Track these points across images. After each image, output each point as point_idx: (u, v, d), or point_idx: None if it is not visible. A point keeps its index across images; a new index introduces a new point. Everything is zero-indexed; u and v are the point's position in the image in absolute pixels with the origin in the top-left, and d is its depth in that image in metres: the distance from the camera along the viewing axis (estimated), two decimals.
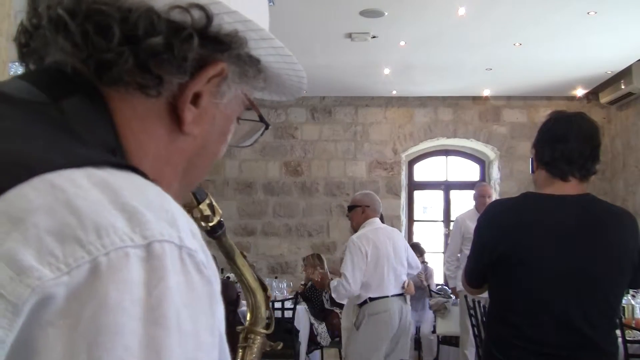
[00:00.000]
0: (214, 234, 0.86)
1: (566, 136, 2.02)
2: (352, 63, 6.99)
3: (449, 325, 6.10)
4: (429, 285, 6.71)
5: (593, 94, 8.07)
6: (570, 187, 2.03)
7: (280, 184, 8.62)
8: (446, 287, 6.56)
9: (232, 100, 0.63)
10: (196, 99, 0.58)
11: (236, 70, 0.61)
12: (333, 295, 4.30)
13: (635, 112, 7.43)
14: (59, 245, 0.41)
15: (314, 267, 6.30)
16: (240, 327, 0.97)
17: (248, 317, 0.97)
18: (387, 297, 4.26)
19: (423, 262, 7.42)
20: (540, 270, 1.98)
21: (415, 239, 8.14)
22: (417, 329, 6.46)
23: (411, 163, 8.99)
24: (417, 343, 6.50)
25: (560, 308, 1.95)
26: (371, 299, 4.25)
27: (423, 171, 9.05)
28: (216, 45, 0.58)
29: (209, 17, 0.55)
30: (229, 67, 0.60)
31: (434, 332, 6.42)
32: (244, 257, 0.95)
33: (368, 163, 8.55)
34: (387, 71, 7.21)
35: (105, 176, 0.46)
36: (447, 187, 8.85)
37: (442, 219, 8.84)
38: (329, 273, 4.78)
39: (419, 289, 6.31)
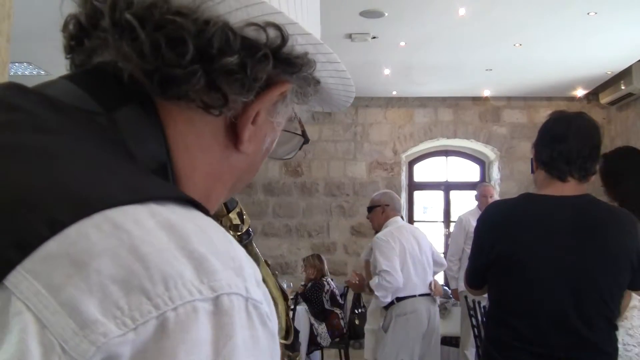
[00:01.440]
0: (241, 242, 0.84)
1: (565, 136, 2.01)
2: (352, 63, 6.99)
3: (450, 326, 6.09)
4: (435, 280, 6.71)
5: (593, 95, 8.07)
6: (569, 188, 2.02)
7: (280, 184, 8.62)
8: (446, 288, 6.56)
9: (284, 119, 0.61)
10: (255, 117, 0.56)
11: (297, 91, 0.59)
12: (377, 294, 4.11)
13: (635, 113, 7.43)
14: (124, 296, 0.38)
15: (314, 268, 6.30)
16: None
17: None
18: (415, 296, 4.18)
19: None
20: (538, 270, 1.97)
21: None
22: None
23: (411, 163, 8.99)
24: None
25: (559, 309, 1.94)
26: (398, 299, 4.16)
27: (423, 172, 9.05)
28: (286, 67, 0.55)
29: (284, 38, 0.53)
30: (292, 88, 0.58)
31: None
32: (268, 265, 0.93)
33: (368, 163, 8.55)
34: (387, 71, 7.21)
35: (170, 216, 0.43)
36: (447, 187, 8.85)
37: (442, 220, 8.84)
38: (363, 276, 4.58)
39: None
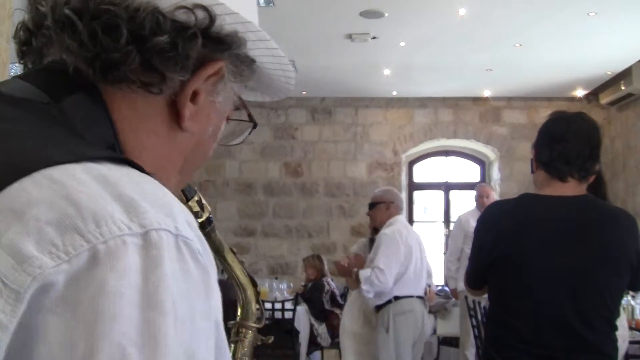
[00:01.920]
0: (202, 230, 0.87)
1: (564, 136, 2.01)
2: (352, 64, 6.99)
3: (449, 326, 6.10)
4: (429, 286, 6.71)
5: (593, 95, 8.07)
6: (568, 188, 2.02)
7: (280, 185, 8.62)
8: (446, 288, 6.56)
9: (226, 99, 0.64)
10: (194, 96, 0.60)
11: (232, 70, 0.63)
12: (363, 287, 4.02)
13: (635, 113, 7.43)
14: (59, 235, 0.43)
15: (314, 268, 6.30)
16: (231, 322, 1.00)
17: (239, 313, 0.99)
18: (412, 297, 4.13)
19: None
20: (538, 271, 1.97)
21: None
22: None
23: (411, 164, 8.99)
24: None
25: (558, 310, 1.94)
26: (397, 298, 4.09)
27: (423, 172, 9.05)
28: (217, 45, 0.59)
29: (212, 18, 0.57)
30: (226, 67, 0.62)
31: (434, 333, 6.42)
32: (234, 253, 0.96)
33: (368, 164, 8.55)
34: (387, 72, 7.21)
35: (103, 170, 0.48)
36: (447, 187, 8.85)
37: (442, 220, 8.84)
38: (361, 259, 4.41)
39: None
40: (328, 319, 6.06)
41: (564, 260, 1.95)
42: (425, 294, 4.30)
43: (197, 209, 0.84)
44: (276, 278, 7.45)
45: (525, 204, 2.10)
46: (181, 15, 0.56)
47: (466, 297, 5.41)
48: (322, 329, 5.99)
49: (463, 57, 6.63)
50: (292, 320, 5.63)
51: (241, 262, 0.97)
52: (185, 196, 0.83)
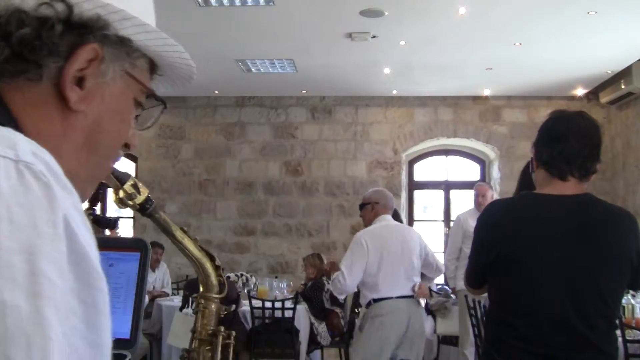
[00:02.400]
0: (144, 211, 0.95)
1: (565, 135, 2.01)
2: (352, 63, 6.99)
3: (449, 325, 6.10)
4: (429, 286, 6.71)
5: (593, 94, 8.07)
6: (569, 187, 2.02)
7: (280, 184, 8.62)
8: (446, 287, 6.56)
9: (117, 80, 0.70)
10: (81, 81, 0.66)
11: (110, 51, 0.68)
12: (331, 288, 4.18)
13: (635, 112, 7.43)
14: None
15: (314, 267, 6.30)
16: (194, 295, 1.07)
17: (201, 287, 1.04)
18: (392, 298, 4.05)
19: None
20: (538, 270, 1.97)
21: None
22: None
23: (411, 163, 8.99)
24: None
25: (558, 308, 1.94)
26: (375, 300, 4.06)
27: (423, 171, 9.05)
28: (82, 30, 0.65)
29: (69, 7, 0.64)
30: (104, 49, 0.67)
31: (434, 332, 6.42)
32: (185, 231, 1.01)
33: (368, 163, 8.55)
34: (387, 71, 7.21)
35: None
36: (447, 186, 8.85)
37: (442, 219, 8.84)
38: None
39: None
40: (328, 318, 6.06)
41: (564, 259, 1.95)
42: (414, 290, 4.19)
43: (132, 190, 0.92)
44: (276, 277, 7.45)
45: (525, 203, 2.10)
46: (44, 11, 0.63)
47: (466, 296, 5.41)
48: (322, 328, 5.99)
49: (463, 56, 6.63)
50: (292, 319, 5.63)
51: (195, 240, 1.02)
52: (119, 181, 0.91)
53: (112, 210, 7.24)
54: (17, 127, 0.62)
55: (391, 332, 4.02)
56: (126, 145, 0.76)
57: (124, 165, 9.13)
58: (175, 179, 8.75)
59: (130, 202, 0.92)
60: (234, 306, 1.13)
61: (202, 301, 1.04)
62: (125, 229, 9.24)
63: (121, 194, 0.91)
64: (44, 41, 0.63)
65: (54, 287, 0.49)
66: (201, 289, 1.04)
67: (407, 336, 4.07)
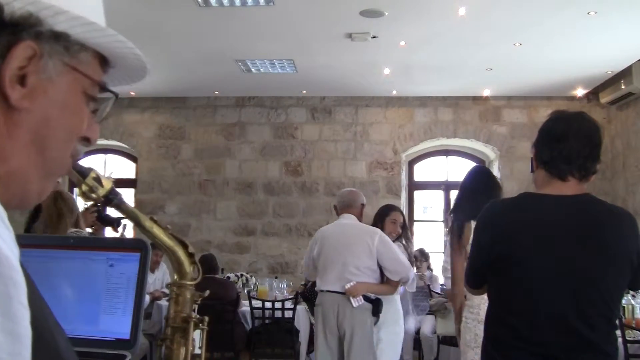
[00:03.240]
0: (109, 203, 0.96)
1: (565, 135, 2.01)
2: (352, 63, 6.99)
3: (449, 326, 6.08)
4: (429, 286, 6.72)
5: (593, 94, 8.07)
6: (569, 187, 2.02)
7: (280, 184, 8.62)
8: (447, 288, 6.57)
9: (60, 74, 0.70)
10: (23, 79, 0.66)
11: (48, 46, 0.68)
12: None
13: (636, 112, 7.43)
14: None
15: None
16: (168, 283, 1.08)
17: (174, 275, 1.05)
18: (322, 291, 4.31)
19: (429, 267, 7.43)
20: (537, 270, 1.97)
21: (415, 239, 8.13)
22: (418, 330, 6.46)
23: (411, 163, 8.99)
24: (417, 343, 6.50)
25: (558, 309, 1.94)
26: (319, 291, 4.39)
27: (423, 171, 9.05)
28: (15, 29, 0.65)
29: None
30: (41, 45, 0.67)
31: (434, 332, 6.42)
32: (154, 221, 1.02)
33: (368, 163, 8.55)
34: (387, 71, 7.21)
35: None
36: (447, 187, 8.84)
37: (442, 219, 8.84)
38: None
39: (421, 291, 6.31)
40: None
41: (564, 259, 1.95)
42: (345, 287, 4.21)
43: (94, 184, 0.93)
44: (276, 277, 7.45)
45: (525, 203, 2.10)
46: None
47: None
48: None
49: (463, 57, 6.64)
50: (292, 320, 5.63)
51: (166, 228, 1.03)
52: (81, 174, 0.92)
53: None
54: None
55: (322, 323, 4.28)
56: (85, 139, 0.75)
57: (124, 166, 9.14)
58: (175, 179, 8.75)
59: (93, 195, 0.93)
60: (207, 292, 1.13)
61: (175, 288, 1.04)
62: (125, 229, 9.23)
63: (83, 187, 0.92)
64: None
65: None
66: (175, 277, 1.05)
67: (345, 335, 4.17)
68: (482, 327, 3.84)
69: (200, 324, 1.04)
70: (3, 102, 0.65)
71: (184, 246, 1.05)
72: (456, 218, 3.89)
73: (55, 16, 0.67)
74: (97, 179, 0.93)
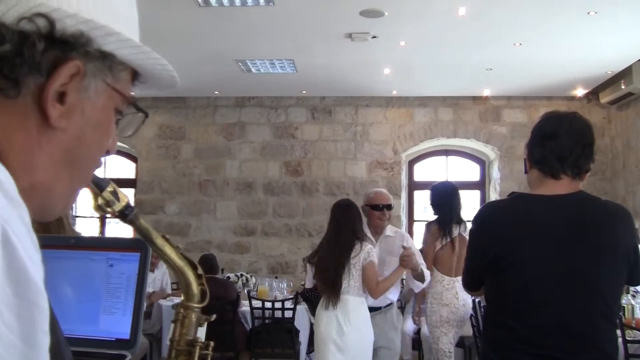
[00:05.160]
0: (124, 218, 0.94)
1: (556, 133, 2.01)
2: (352, 63, 6.99)
3: None
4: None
5: (593, 94, 8.07)
6: (562, 186, 2.02)
7: (280, 184, 8.62)
8: None
9: (99, 94, 0.69)
10: (62, 96, 0.65)
11: (93, 66, 0.68)
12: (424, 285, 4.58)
13: (636, 112, 7.43)
14: None
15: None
16: (174, 304, 1.05)
17: (182, 296, 1.03)
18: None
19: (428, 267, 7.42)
20: (535, 271, 1.97)
21: (415, 239, 8.12)
22: (418, 330, 6.46)
23: (411, 163, 8.99)
24: (417, 343, 6.50)
25: (557, 309, 1.94)
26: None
27: (423, 171, 9.05)
28: (65, 46, 0.64)
29: (51, 23, 0.62)
30: (86, 64, 0.66)
31: None
32: (166, 239, 1.00)
33: (368, 163, 8.55)
34: (387, 71, 7.21)
35: None
36: None
37: None
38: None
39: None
40: None
41: (561, 258, 1.95)
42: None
43: (111, 198, 0.91)
44: (276, 277, 7.45)
45: (519, 204, 2.10)
46: (25, 25, 0.61)
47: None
48: None
49: (463, 57, 6.63)
50: (292, 320, 5.63)
51: (176, 247, 1.01)
52: (98, 187, 0.90)
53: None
54: None
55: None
56: (106, 152, 0.75)
57: (124, 166, 9.14)
58: (175, 179, 8.75)
59: (109, 209, 0.91)
60: (214, 316, 1.10)
61: (182, 310, 1.02)
62: (126, 229, 9.24)
63: (100, 200, 0.90)
64: (25, 59, 0.62)
65: None
66: (182, 298, 1.03)
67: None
68: (446, 309, 4.67)
69: (205, 349, 1.01)
70: (41, 118, 0.64)
71: (193, 267, 1.03)
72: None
73: (106, 37, 0.67)
74: (115, 193, 0.91)
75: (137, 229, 0.98)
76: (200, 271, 1.02)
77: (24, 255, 0.53)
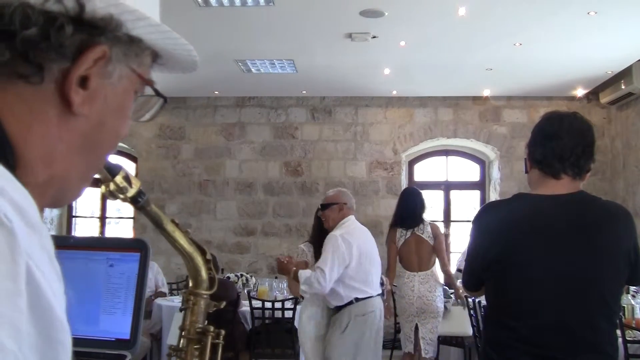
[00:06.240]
0: (136, 204, 0.91)
1: (557, 133, 2.02)
2: (352, 63, 6.99)
3: (449, 326, 6.09)
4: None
5: (593, 94, 8.07)
6: (563, 186, 2.02)
7: (280, 184, 8.62)
8: (446, 287, 6.56)
9: (122, 79, 0.66)
10: (85, 81, 0.61)
11: (119, 51, 0.64)
12: (302, 287, 4.03)
13: (636, 112, 7.43)
14: None
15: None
16: (183, 291, 1.03)
17: (190, 282, 1.00)
18: (372, 296, 4.19)
19: None
20: (535, 271, 1.97)
21: None
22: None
23: (411, 163, 8.99)
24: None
25: (557, 309, 1.94)
26: (357, 300, 4.13)
27: (423, 171, 9.05)
28: (93, 30, 0.60)
29: (80, 5, 0.58)
30: (112, 49, 0.63)
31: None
32: (176, 224, 0.97)
33: (368, 163, 8.56)
34: (387, 71, 7.21)
35: None
36: (447, 187, 8.85)
37: (442, 219, 8.84)
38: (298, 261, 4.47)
39: None
40: None
41: (561, 259, 1.95)
42: (382, 283, 4.42)
43: (123, 184, 0.87)
44: (276, 277, 7.44)
45: (519, 204, 2.10)
46: (52, 6, 0.57)
47: (466, 296, 5.42)
48: None
49: (463, 57, 6.64)
50: (292, 320, 5.63)
51: (186, 232, 0.98)
52: (110, 173, 0.86)
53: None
54: (2, 128, 0.57)
55: (372, 329, 4.15)
56: None
57: (124, 166, 9.11)
58: (175, 179, 8.75)
59: (121, 195, 0.88)
60: (224, 303, 1.07)
61: (192, 297, 0.99)
62: (126, 229, 9.24)
63: (112, 186, 0.87)
64: (51, 43, 0.57)
65: (6, 355, 0.46)
66: (190, 285, 1.00)
67: (379, 334, 4.23)
68: (402, 301, 5.41)
69: (217, 338, 0.99)
70: (60, 104, 0.60)
71: (202, 252, 1.00)
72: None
73: (137, 21, 0.63)
74: (127, 179, 0.88)
75: (148, 214, 0.95)
76: (209, 256, 1.00)
77: (48, 291, 0.50)
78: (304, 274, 4.07)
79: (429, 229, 5.48)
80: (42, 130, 0.60)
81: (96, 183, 0.86)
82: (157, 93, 0.75)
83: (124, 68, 0.65)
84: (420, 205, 5.52)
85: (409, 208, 5.47)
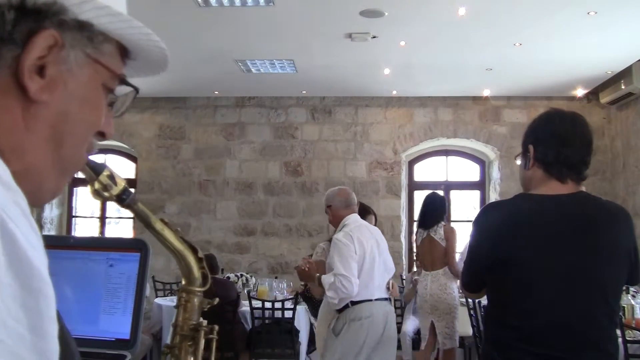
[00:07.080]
0: (121, 202, 0.91)
1: (573, 141, 2.03)
2: (352, 63, 6.99)
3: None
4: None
5: (593, 94, 8.07)
6: (565, 188, 2.03)
7: (280, 184, 8.62)
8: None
9: (81, 66, 0.67)
10: (43, 69, 0.62)
11: (71, 36, 0.65)
12: (328, 293, 3.83)
13: (635, 112, 7.43)
14: None
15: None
16: (176, 289, 1.04)
17: (183, 280, 1.01)
18: (371, 300, 3.91)
19: None
20: (537, 271, 1.97)
21: (415, 239, 8.12)
22: (417, 330, 6.46)
23: (411, 163, 8.99)
24: (417, 343, 6.50)
25: (559, 308, 1.94)
26: (353, 303, 3.88)
27: (423, 171, 9.05)
28: (37, 16, 0.62)
29: None
30: (63, 35, 0.64)
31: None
32: (165, 222, 0.97)
33: (368, 163, 8.55)
34: (387, 71, 7.21)
35: None
36: (447, 187, 8.84)
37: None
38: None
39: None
40: None
41: (563, 258, 1.95)
42: (388, 288, 4.13)
43: (107, 181, 0.88)
44: (276, 277, 7.45)
45: (521, 204, 2.09)
46: None
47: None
48: None
49: (463, 57, 6.63)
50: (292, 320, 5.63)
51: (175, 230, 0.99)
52: (94, 172, 0.87)
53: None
54: None
55: (368, 336, 3.86)
56: (101, 134, 0.72)
57: (124, 166, 9.14)
58: (175, 180, 8.75)
59: (106, 194, 0.88)
60: (217, 300, 1.07)
61: (184, 295, 1.00)
62: (126, 229, 9.24)
63: (96, 185, 0.87)
64: None
65: None
66: (183, 282, 1.01)
67: (382, 340, 3.91)
68: (420, 297, 5.61)
69: (210, 334, 0.99)
70: (21, 94, 0.61)
71: (194, 250, 1.00)
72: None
73: (81, 4, 0.64)
74: (111, 177, 0.88)
75: (136, 213, 0.95)
76: (201, 254, 1.00)
77: (24, 242, 0.51)
78: (327, 279, 3.87)
79: (441, 231, 5.68)
80: (8, 120, 0.61)
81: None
82: (127, 84, 0.75)
83: (79, 54, 0.66)
84: (439, 211, 5.85)
85: (427, 212, 5.88)
